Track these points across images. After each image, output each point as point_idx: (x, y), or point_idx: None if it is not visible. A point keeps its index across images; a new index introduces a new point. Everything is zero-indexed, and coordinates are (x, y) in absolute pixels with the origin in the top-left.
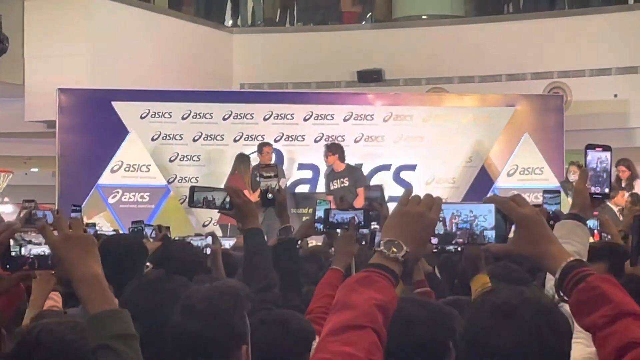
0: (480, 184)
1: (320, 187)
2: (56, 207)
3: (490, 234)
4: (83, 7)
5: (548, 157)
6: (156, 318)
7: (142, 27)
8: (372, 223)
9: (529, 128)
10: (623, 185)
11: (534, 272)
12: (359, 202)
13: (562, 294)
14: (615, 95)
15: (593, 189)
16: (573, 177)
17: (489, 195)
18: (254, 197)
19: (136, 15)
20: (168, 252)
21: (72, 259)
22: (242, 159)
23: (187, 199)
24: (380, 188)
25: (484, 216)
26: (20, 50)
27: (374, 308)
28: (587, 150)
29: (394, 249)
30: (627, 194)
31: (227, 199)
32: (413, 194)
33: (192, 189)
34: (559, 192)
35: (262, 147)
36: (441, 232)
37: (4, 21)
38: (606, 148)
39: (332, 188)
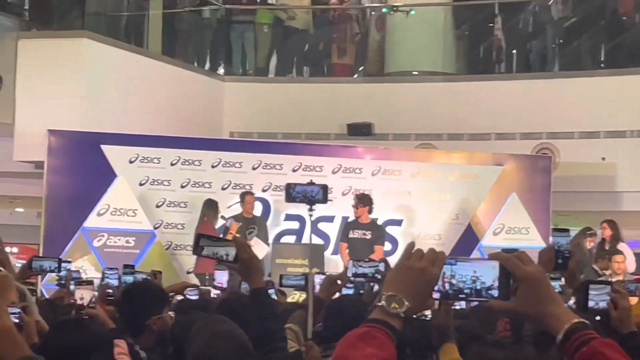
0: (466, 242)
1: (306, 238)
2: (40, 249)
3: (494, 291)
4: (77, 50)
5: (534, 218)
6: None
7: (135, 72)
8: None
9: (517, 188)
10: (607, 247)
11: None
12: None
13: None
14: (603, 159)
15: None
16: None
17: (474, 253)
18: None
19: (130, 59)
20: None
21: None
22: (210, 204)
23: (192, 247)
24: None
25: (488, 274)
26: (12, 89)
27: None
28: None
29: (395, 305)
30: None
31: (233, 252)
32: (415, 247)
33: (199, 237)
34: (568, 229)
35: (244, 195)
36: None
37: None
38: None
39: (350, 236)
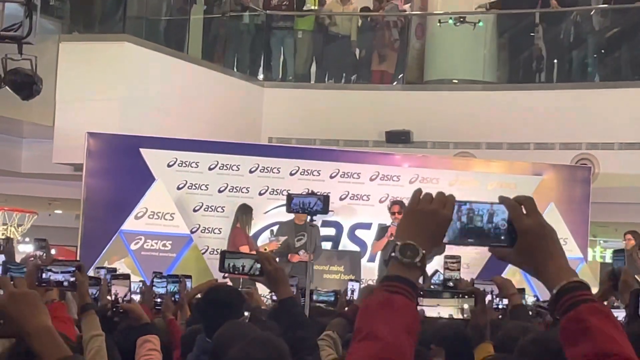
0: None
1: (343, 245)
2: (78, 251)
3: (502, 236)
4: (117, 53)
5: (573, 228)
6: None
7: (175, 76)
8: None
9: (555, 198)
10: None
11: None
12: None
13: (555, 316)
14: None
15: None
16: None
17: None
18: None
19: (169, 63)
20: None
21: (21, 314)
22: (244, 209)
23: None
24: (623, 252)
25: (503, 214)
26: (52, 92)
27: (401, 338)
28: None
29: (410, 253)
30: None
31: (257, 265)
32: (423, 192)
33: (223, 255)
34: (623, 250)
35: None
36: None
37: (38, 63)
38: None
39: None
